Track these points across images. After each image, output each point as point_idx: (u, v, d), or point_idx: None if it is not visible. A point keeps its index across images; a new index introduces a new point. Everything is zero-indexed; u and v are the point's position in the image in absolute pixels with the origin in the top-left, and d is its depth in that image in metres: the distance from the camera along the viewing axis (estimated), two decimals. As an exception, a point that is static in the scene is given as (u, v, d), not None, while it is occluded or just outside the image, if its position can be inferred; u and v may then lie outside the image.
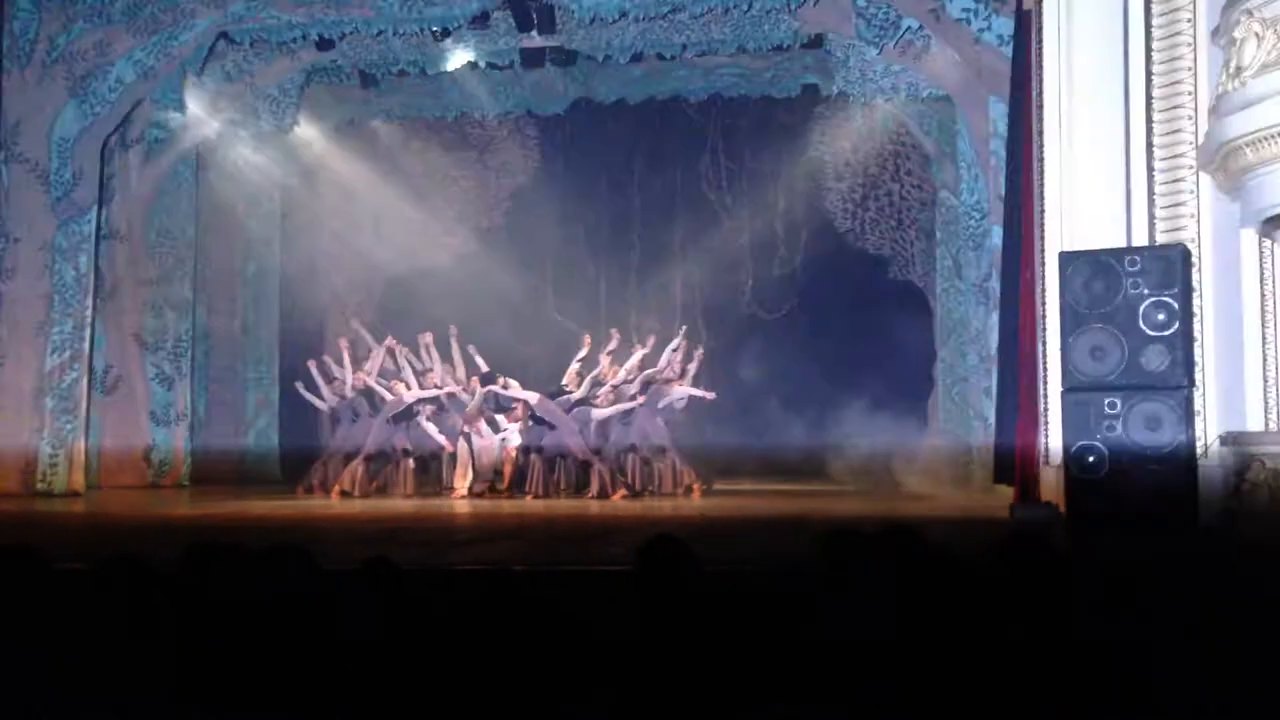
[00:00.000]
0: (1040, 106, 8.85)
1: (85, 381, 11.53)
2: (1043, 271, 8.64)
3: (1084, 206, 8.41)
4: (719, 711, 3.00)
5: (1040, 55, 8.84)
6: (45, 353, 11.27)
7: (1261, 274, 6.67)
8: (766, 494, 11.39)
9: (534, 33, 11.53)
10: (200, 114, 12.44)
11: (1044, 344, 8.66)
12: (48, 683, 3.04)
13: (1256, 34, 6.21)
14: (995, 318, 10.05)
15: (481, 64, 12.44)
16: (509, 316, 13.64)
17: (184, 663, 3.09)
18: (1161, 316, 7.05)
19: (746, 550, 6.64)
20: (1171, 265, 7.08)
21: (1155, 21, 7.36)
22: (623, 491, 11.04)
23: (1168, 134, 7.21)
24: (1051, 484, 8.37)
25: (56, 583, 3.50)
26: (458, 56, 12.29)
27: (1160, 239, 7.35)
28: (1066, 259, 7.64)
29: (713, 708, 3.02)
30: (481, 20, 11.32)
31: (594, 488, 11.09)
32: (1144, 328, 7.07)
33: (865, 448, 13.22)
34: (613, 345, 11.69)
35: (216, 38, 11.44)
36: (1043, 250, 8.78)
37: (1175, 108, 7.21)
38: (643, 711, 3.04)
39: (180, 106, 11.93)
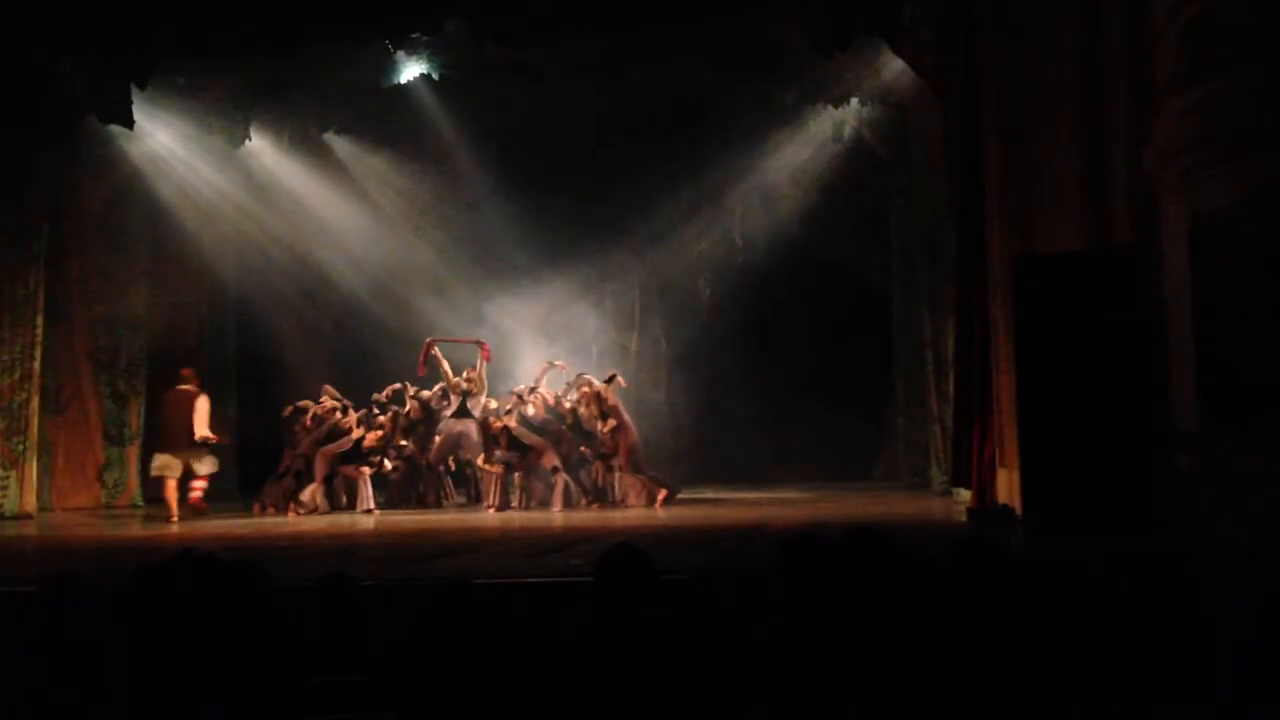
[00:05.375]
0: (992, 109, 8.97)
1: (36, 401, 11.32)
2: (997, 276, 8.74)
3: (1038, 211, 8.52)
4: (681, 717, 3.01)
5: (990, 58, 8.95)
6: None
7: (1194, 275, 6.58)
8: (728, 502, 11.42)
9: (490, 44, 11.50)
10: (150, 129, 12.29)
11: (999, 348, 8.76)
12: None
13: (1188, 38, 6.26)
14: (951, 323, 10.15)
15: (435, 76, 12.39)
16: (469, 328, 13.58)
17: (133, 682, 3.05)
18: (1118, 320, 7.10)
19: (706, 559, 6.65)
20: (1130, 266, 7.13)
21: (1110, 19, 7.32)
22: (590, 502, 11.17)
23: (1126, 136, 7.19)
24: (1007, 487, 8.47)
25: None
26: (411, 69, 12.24)
27: (1119, 240, 7.37)
28: (1021, 264, 7.71)
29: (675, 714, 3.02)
30: (436, 29, 11.27)
31: (558, 500, 11.16)
32: (1099, 331, 7.12)
33: (826, 454, 13.31)
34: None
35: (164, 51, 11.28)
36: (997, 255, 8.88)
37: (1136, 101, 7.08)
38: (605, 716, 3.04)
39: (129, 122, 11.74)
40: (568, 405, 11.85)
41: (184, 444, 10.84)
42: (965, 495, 9.21)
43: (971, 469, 8.86)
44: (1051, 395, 7.17)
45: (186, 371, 11.44)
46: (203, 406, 10.94)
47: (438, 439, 12.20)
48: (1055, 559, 5.63)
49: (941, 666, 2.95)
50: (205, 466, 10.96)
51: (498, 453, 11.43)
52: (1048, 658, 3.05)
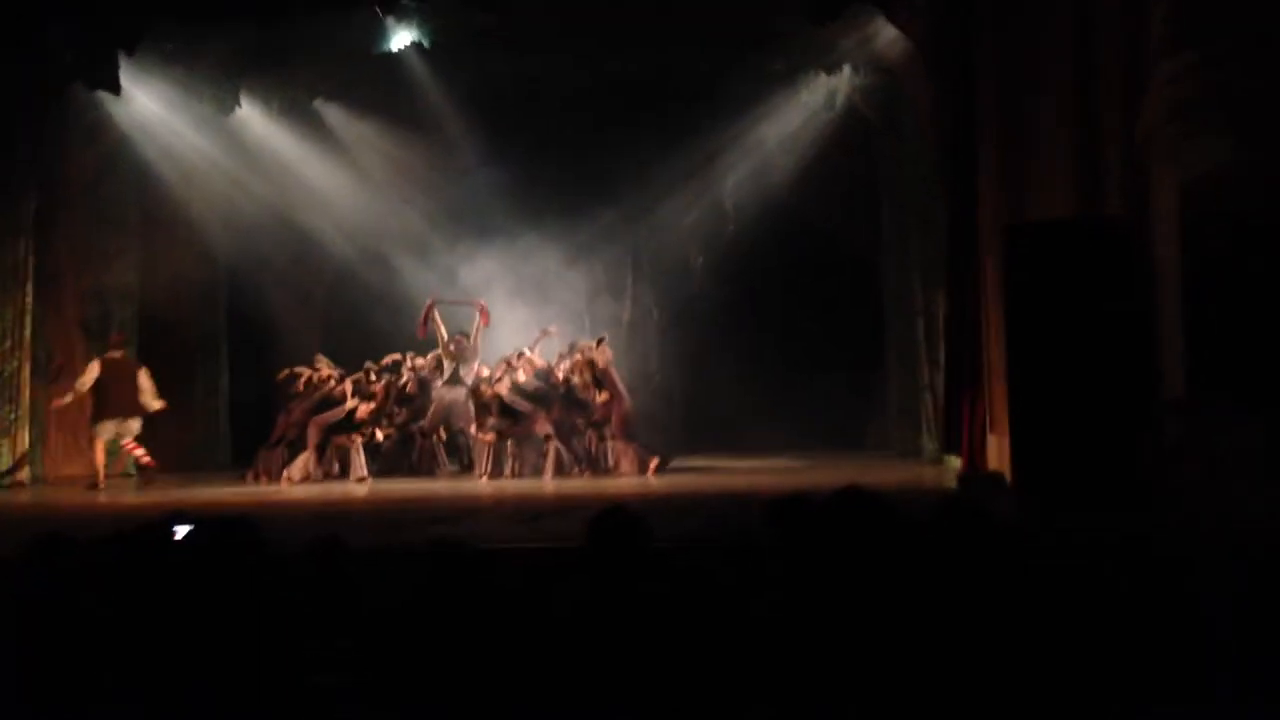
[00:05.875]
0: (985, 77, 8.94)
1: (27, 369, 11.31)
2: (989, 244, 8.75)
3: (1030, 179, 8.52)
4: (677, 686, 3.03)
5: (983, 25, 8.92)
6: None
7: (1183, 243, 6.58)
8: (720, 470, 11.47)
9: (480, 11, 11.42)
10: (138, 96, 12.19)
11: (990, 316, 8.78)
12: None
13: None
14: (943, 291, 10.16)
15: (425, 43, 12.30)
16: (457, 296, 13.53)
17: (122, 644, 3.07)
18: (1109, 289, 7.11)
19: (698, 524, 6.69)
20: (1122, 235, 7.14)
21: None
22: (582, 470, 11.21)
23: (1119, 103, 7.16)
24: (998, 455, 8.52)
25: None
26: (402, 36, 12.16)
27: (1111, 209, 7.38)
28: (1012, 232, 7.71)
29: (670, 682, 3.05)
30: None
31: (550, 468, 11.20)
32: (1090, 299, 7.13)
33: (817, 422, 13.34)
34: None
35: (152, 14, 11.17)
36: (989, 223, 8.89)
37: (1128, 67, 7.05)
38: (599, 687, 3.06)
39: (116, 88, 11.65)
40: (561, 375, 11.86)
41: (126, 411, 11.24)
42: (956, 462, 9.27)
43: (962, 436, 8.91)
44: (1042, 363, 7.20)
45: (117, 338, 11.87)
46: (146, 378, 11.40)
47: (430, 407, 12.22)
48: (1043, 525, 5.68)
49: (927, 631, 2.97)
50: (135, 428, 11.37)
51: (490, 420, 11.45)
52: (1033, 626, 3.07)
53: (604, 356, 11.65)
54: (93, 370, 11.32)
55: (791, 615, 3.00)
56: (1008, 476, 7.93)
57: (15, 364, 11.17)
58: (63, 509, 9.35)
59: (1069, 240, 7.29)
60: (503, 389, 11.50)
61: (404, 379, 12.26)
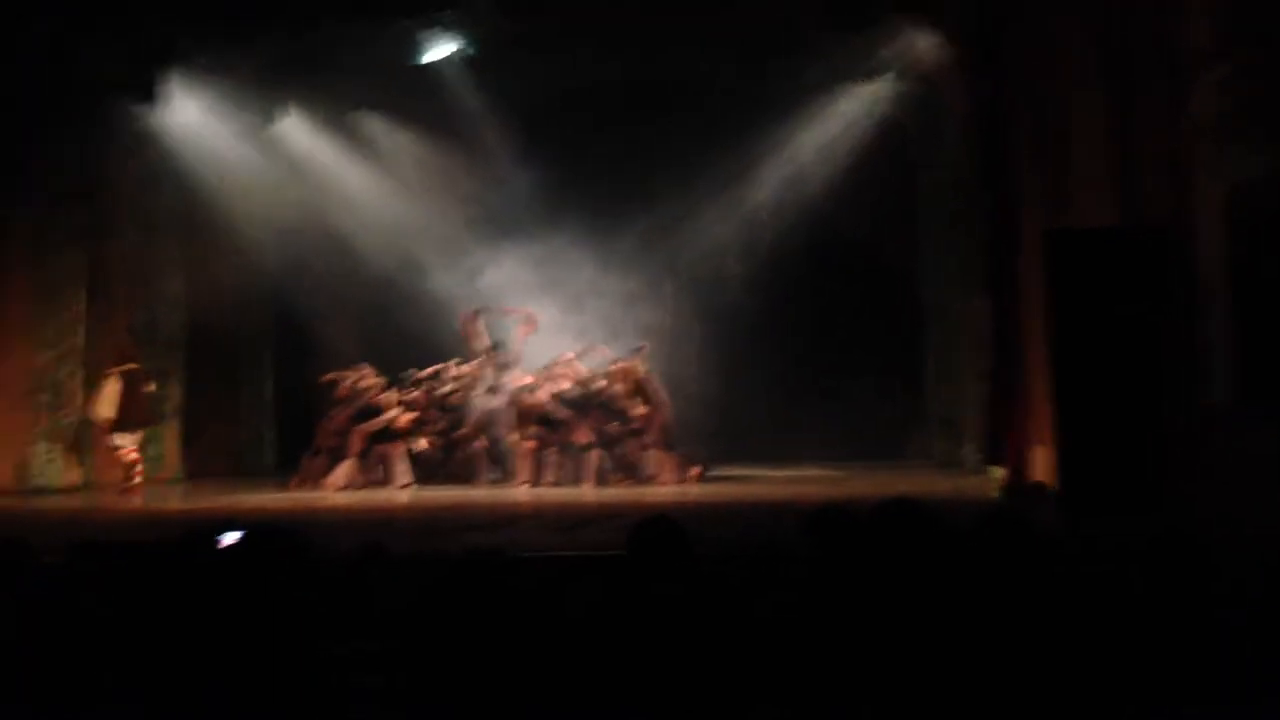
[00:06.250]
0: (1022, 81, 8.88)
1: (80, 376, 11.53)
2: (1029, 251, 8.68)
3: (1070, 184, 8.44)
4: (714, 695, 3.04)
5: (1019, 29, 8.86)
6: (37, 348, 11.30)
7: (1229, 249, 6.49)
8: (759, 479, 11.45)
9: (516, 19, 11.53)
10: (182, 107, 12.39)
11: (1032, 324, 8.70)
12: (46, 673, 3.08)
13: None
14: (983, 298, 10.09)
15: (461, 51, 12.43)
16: (501, 304, 13.60)
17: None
18: (1152, 295, 7.04)
19: (738, 534, 6.68)
20: (1163, 243, 7.07)
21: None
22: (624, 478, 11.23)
23: (1159, 108, 7.09)
24: (1043, 465, 8.44)
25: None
26: (438, 46, 12.30)
27: (1154, 215, 7.30)
28: (1053, 239, 7.65)
29: (706, 690, 3.05)
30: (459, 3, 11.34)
31: (590, 476, 11.23)
32: (1134, 306, 7.06)
33: (857, 432, 13.27)
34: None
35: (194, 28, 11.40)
36: (1029, 229, 8.82)
37: (1169, 74, 6.99)
38: (640, 694, 3.07)
39: (158, 99, 11.88)
40: (601, 383, 11.88)
41: (142, 422, 11.36)
42: (999, 473, 9.19)
43: (1005, 446, 8.84)
44: (1087, 372, 7.14)
45: (128, 350, 11.65)
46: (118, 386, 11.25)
47: (471, 415, 12.28)
48: (1090, 537, 5.62)
49: (972, 642, 2.96)
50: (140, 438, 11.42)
51: (530, 429, 11.49)
52: (1080, 638, 3.05)
53: (644, 365, 11.69)
54: (114, 386, 11.20)
55: (831, 626, 3.00)
56: (1053, 486, 7.85)
57: (69, 370, 11.39)
58: (115, 515, 9.49)
59: (1112, 248, 7.23)
60: (544, 397, 11.55)
61: (446, 387, 12.33)
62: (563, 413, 11.47)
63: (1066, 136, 8.40)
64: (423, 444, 11.95)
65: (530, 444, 11.49)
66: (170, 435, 12.83)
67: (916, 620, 2.96)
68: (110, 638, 3.23)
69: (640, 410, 11.52)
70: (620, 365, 11.80)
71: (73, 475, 11.41)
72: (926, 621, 2.98)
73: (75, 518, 9.14)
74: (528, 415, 11.55)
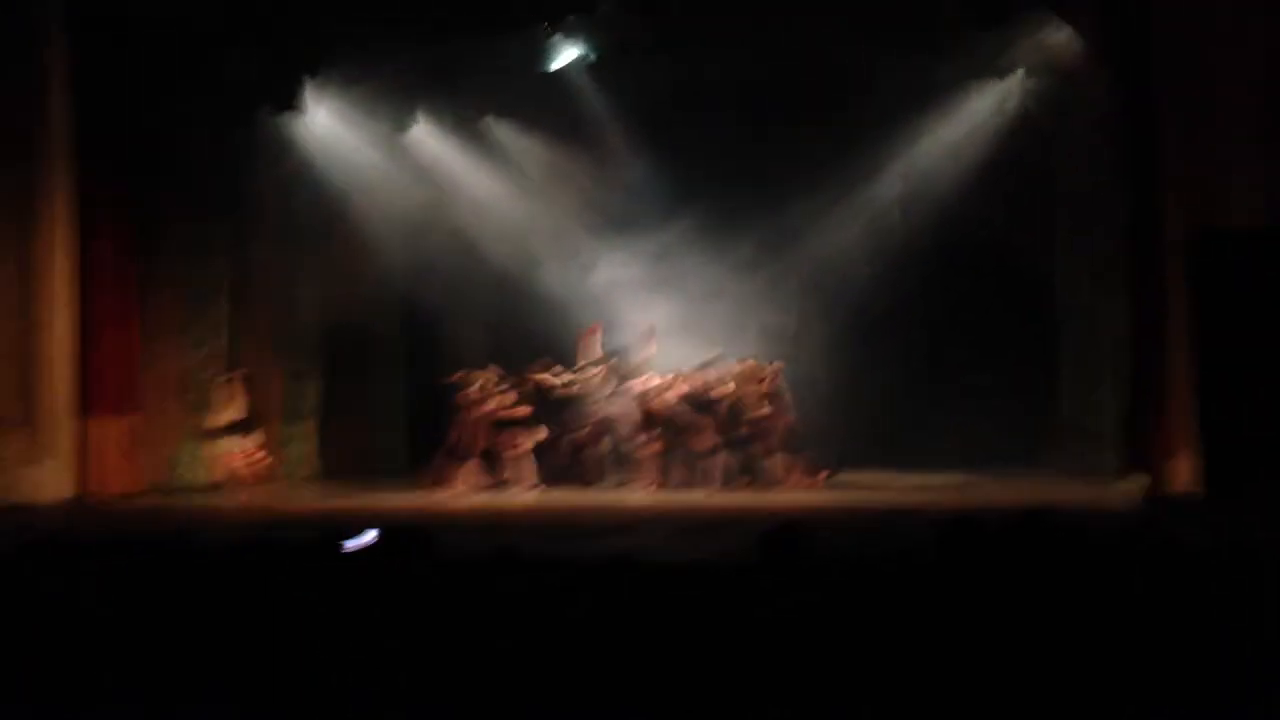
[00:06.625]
0: (1164, 75, 8.54)
1: (221, 379, 12.00)
2: (1172, 251, 8.35)
3: (1215, 182, 8.09)
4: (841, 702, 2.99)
5: (1161, 21, 8.53)
6: (185, 351, 11.84)
7: None
8: (887, 485, 11.27)
9: (644, 21, 11.60)
10: (319, 116, 12.81)
11: (1175, 326, 8.36)
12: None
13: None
14: (1122, 300, 9.74)
15: (589, 56, 12.55)
16: (619, 313, 13.66)
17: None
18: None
19: (866, 541, 6.58)
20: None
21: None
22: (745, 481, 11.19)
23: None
24: (1186, 472, 8.11)
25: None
26: (567, 51, 12.44)
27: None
28: (1201, 239, 7.36)
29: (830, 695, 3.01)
30: (589, 7, 11.46)
31: (715, 480, 11.21)
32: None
33: (989, 436, 12.94)
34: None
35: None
36: (1171, 230, 8.48)
37: None
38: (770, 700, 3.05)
39: (300, 109, 12.32)
40: (727, 386, 11.81)
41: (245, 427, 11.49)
42: (1140, 481, 8.85)
43: (1147, 452, 8.52)
44: (1236, 376, 6.85)
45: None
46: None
47: (594, 418, 12.36)
48: (1241, 549, 5.37)
49: (1114, 666, 2.85)
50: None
51: (655, 431, 11.52)
52: (1231, 651, 2.92)
53: (771, 369, 11.62)
54: (226, 391, 11.49)
55: (966, 643, 2.93)
56: (1199, 495, 7.54)
57: (214, 370, 11.90)
58: (252, 513, 9.86)
59: (1263, 249, 6.91)
60: (668, 401, 11.56)
61: (566, 377, 12.37)
62: (687, 416, 11.47)
63: (1215, 135, 8.06)
64: (542, 433, 11.97)
65: (655, 447, 11.52)
66: (308, 434, 13.26)
67: (1057, 639, 2.87)
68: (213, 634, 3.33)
69: (764, 413, 11.45)
70: (746, 367, 11.73)
71: (215, 473, 11.86)
72: (1067, 640, 2.88)
73: (242, 516, 9.50)
74: (652, 418, 11.58)
